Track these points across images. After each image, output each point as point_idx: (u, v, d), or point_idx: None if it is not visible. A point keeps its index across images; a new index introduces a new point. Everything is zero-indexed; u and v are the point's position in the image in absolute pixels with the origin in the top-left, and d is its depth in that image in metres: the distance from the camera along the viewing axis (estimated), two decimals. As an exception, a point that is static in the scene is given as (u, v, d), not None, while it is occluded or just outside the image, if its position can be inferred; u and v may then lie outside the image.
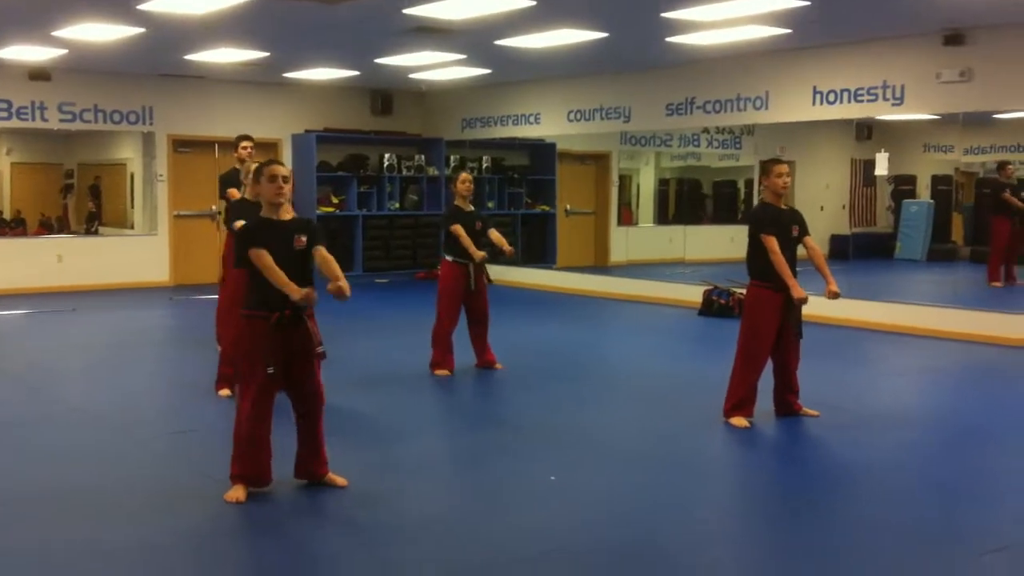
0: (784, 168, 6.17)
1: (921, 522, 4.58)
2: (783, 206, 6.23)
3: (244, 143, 7.96)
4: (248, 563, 4.16)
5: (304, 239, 4.66)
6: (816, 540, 4.34)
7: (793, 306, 6.12)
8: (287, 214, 4.75)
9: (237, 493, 4.64)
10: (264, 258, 4.53)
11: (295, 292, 4.49)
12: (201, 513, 4.54)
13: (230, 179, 7.87)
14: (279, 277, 4.50)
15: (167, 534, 4.28)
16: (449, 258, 7.71)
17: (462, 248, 7.58)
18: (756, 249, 6.13)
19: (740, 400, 6.18)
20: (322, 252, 4.67)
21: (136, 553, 4.08)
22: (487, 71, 12.70)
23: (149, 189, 14.02)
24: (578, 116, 13.55)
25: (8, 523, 4.42)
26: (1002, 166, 15.25)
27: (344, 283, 4.53)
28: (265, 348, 4.58)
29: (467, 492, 5.06)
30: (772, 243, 6.04)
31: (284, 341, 4.62)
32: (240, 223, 6.66)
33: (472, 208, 7.80)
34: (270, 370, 4.58)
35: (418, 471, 5.36)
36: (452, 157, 15.37)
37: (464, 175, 7.82)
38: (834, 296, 6.19)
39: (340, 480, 4.88)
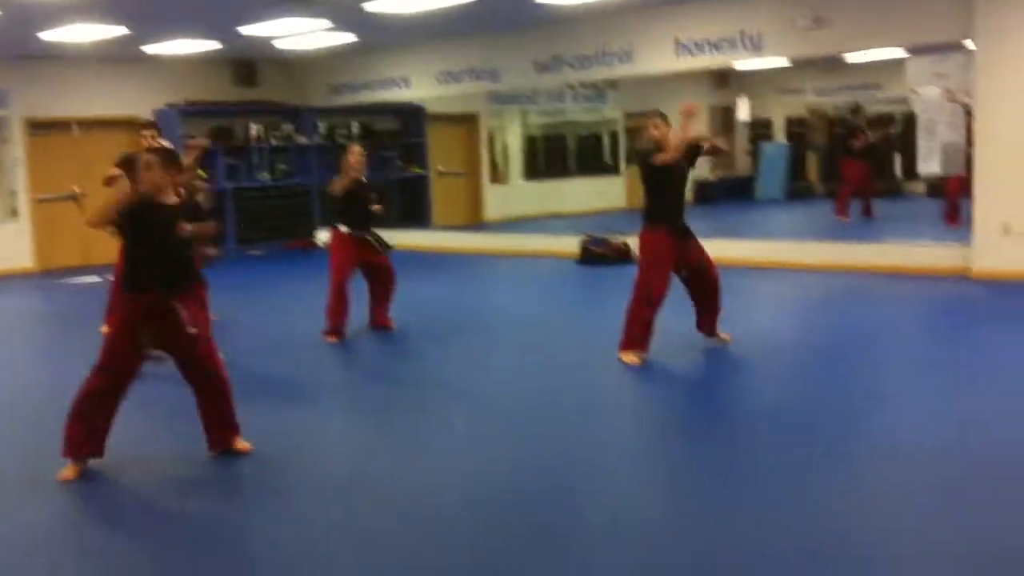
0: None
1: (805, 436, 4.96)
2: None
3: (146, 131, 7.97)
4: (170, 531, 4.18)
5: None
6: (711, 462, 4.67)
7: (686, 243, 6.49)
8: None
9: (68, 472, 4.65)
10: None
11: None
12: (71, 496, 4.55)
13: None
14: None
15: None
16: (343, 228, 7.73)
17: (354, 217, 7.62)
18: (648, 193, 6.50)
19: (635, 337, 6.48)
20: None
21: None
22: (354, 37, 12.63)
23: (6, 174, 13.51)
24: (448, 78, 13.61)
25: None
26: (857, 108, 16.12)
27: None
28: (133, 329, 4.65)
29: (374, 450, 5.16)
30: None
31: (155, 324, 4.67)
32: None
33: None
34: (144, 352, 4.68)
35: (322, 432, 5.46)
36: (321, 124, 15.27)
37: (356, 148, 7.77)
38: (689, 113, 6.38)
39: (244, 445, 4.93)
